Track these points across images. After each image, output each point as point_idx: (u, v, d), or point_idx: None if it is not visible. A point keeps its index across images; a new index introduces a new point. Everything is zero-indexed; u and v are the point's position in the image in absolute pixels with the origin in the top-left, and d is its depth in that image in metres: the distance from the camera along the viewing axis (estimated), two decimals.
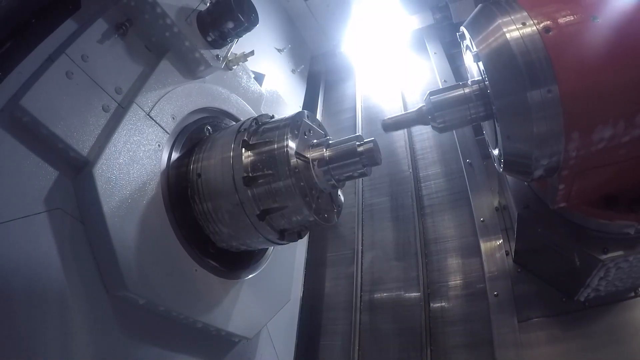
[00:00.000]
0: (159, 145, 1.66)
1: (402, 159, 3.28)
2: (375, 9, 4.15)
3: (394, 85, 3.90)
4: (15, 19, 1.36)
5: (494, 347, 2.05)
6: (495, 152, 1.56)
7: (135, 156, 1.55)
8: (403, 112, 1.62)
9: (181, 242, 1.63)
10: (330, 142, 1.70)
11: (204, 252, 1.73)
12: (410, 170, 3.16)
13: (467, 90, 1.48)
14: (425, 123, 1.55)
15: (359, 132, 3.53)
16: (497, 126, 1.42)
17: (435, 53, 3.80)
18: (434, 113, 1.51)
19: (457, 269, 2.58)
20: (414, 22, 4.09)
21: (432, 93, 1.54)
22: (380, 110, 3.80)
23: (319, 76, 4.36)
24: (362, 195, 3.20)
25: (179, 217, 1.66)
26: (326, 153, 1.64)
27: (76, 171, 1.43)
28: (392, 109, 3.73)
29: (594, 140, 1.32)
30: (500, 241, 2.42)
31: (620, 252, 1.55)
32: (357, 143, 1.63)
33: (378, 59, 4.30)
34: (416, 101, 3.68)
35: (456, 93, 1.49)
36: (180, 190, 1.70)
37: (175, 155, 1.75)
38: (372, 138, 1.64)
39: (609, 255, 1.56)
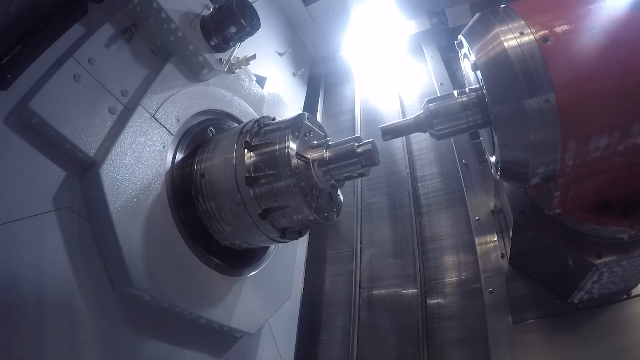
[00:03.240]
0: (163, 146, 1.69)
1: (400, 160, 3.31)
2: (373, 14, 4.18)
3: (392, 88, 3.94)
4: (24, 23, 1.38)
5: (489, 347, 2.09)
6: (492, 159, 1.57)
7: (141, 157, 1.58)
8: (401, 120, 1.63)
9: (185, 240, 1.67)
10: (329, 143, 1.73)
11: (207, 250, 1.77)
12: (408, 170, 3.20)
13: (464, 98, 1.49)
14: (423, 130, 1.57)
15: (357, 134, 3.57)
16: (494, 134, 1.43)
17: (431, 57, 3.86)
18: (432, 121, 1.52)
19: (453, 266, 2.62)
20: (411, 26, 4.15)
21: (430, 101, 1.55)
22: (379, 113, 3.84)
23: (319, 79, 4.42)
24: (361, 195, 3.24)
25: (183, 216, 1.70)
26: (326, 154, 1.67)
27: (83, 171, 1.47)
28: (390, 111, 3.77)
29: (590, 149, 1.33)
30: (495, 239, 2.46)
31: (613, 257, 1.58)
32: (356, 144, 1.66)
33: (376, 63, 4.34)
34: (413, 104, 3.72)
35: (454, 101, 1.50)
36: (185, 190, 1.74)
37: (179, 156, 1.79)
38: (371, 139, 1.67)
39: (603, 260, 1.58)
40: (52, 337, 1.24)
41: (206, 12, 1.90)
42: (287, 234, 1.73)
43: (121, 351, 1.42)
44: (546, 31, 1.30)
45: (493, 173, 1.60)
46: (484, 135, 1.69)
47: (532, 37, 1.30)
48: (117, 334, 1.42)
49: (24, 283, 1.22)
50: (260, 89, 2.49)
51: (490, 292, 2.27)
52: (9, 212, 1.23)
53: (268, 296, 2.07)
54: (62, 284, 1.31)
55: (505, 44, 1.31)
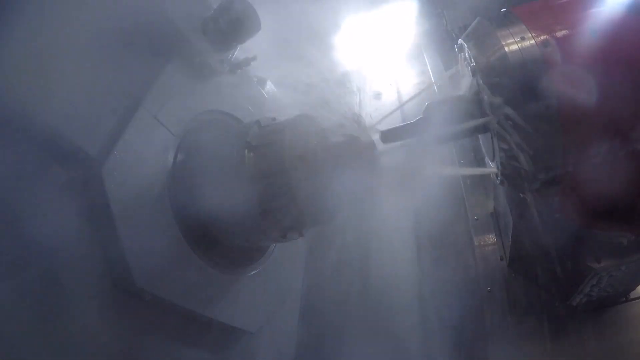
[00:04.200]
0: (165, 146, 1.70)
1: None
2: (372, 16, 4.16)
3: (391, 89, 3.93)
4: None
5: (487, 349, 2.11)
6: (493, 164, 1.57)
7: (143, 157, 1.58)
8: (401, 124, 1.63)
9: (186, 239, 1.68)
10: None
11: (208, 249, 1.78)
12: None
13: (464, 102, 1.49)
14: (423, 134, 1.56)
15: None
16: (494, 140, 1.43)
17: (431, 58, 3.89)
18: (431, 125, 1.52)
19: (451, 265, 2.63)
20: (410, 28, 4.11)
21: (429, 105, 1.55)
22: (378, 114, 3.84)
23: None
24: None
25: (184, 215, 1.70)
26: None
27: (85, 171, 1.45)
28: (389, 111, 3.76)
29: (591, 154, 1.33)
30: (494, 238, 2.46)
31: (613, 262, 1.59)
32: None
33: (375, 64, 4.30)
34: (412, 104, 3.71)
35: (454, 105, 1.50)
36: (186, 190, 1.74)
37: (180, 156, 1.79)
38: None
39: (602, 264, 1.59)
40: (52, 338, 1.25)
41: (207, 13, 1.90)
42: (288, 233, 1.74)
43: (122, 350, 1.44)
44: (547, 36, 1.29)
45: (493, 178, 1.60)
46: (484, 141, 1.69)
47: (533, 41, 1.29)
48: (118, 333, 1.43)
49: (24, 284, 1.23)
50: (261, 90, 2.49)
51: (488, 291, 2.28)
52: (10, 212, 1.24)
53: (269, 295, 2.08)
54: (63, 283, 1.32)
55: (506, 49, 1.31)
